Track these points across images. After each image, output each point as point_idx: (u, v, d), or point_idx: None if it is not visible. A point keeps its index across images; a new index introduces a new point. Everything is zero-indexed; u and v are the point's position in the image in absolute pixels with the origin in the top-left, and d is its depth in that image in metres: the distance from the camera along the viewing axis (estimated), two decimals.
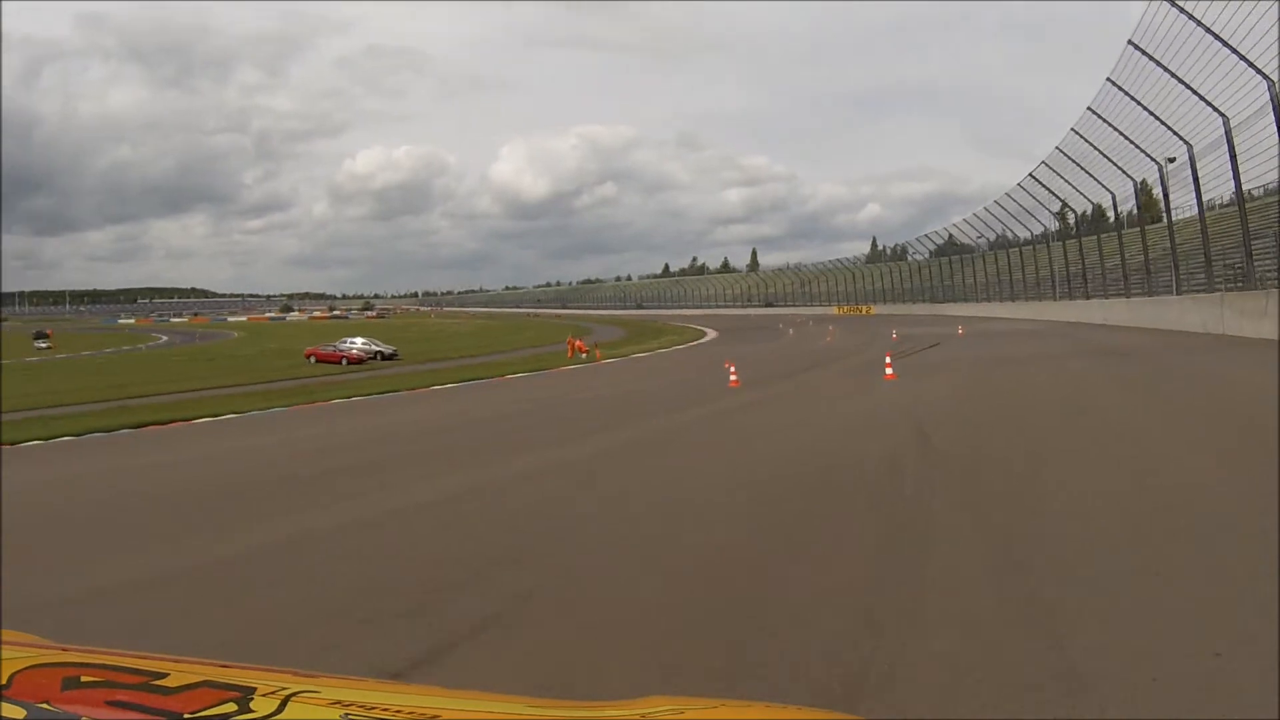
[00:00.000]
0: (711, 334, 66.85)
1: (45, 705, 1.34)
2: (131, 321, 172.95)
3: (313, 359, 50.56)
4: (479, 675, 5.00)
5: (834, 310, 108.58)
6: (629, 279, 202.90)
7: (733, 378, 23.58)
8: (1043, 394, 18.34)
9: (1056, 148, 48.38)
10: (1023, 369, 23.56)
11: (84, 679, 1.55)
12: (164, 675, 1.54)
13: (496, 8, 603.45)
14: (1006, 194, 62.74)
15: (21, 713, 1.29)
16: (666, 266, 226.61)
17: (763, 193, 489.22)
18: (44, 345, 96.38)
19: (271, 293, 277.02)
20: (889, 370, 22.80)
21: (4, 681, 1.44)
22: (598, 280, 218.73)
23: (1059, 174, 49.92)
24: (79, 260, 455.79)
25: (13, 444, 18.59)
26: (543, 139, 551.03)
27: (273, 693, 1.43)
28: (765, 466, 11.46)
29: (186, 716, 1.34)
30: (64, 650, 1.76)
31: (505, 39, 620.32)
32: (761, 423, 16.29)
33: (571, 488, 10.85)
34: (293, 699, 1.42)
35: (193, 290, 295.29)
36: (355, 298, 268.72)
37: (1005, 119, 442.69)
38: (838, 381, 24.22)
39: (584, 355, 42.65)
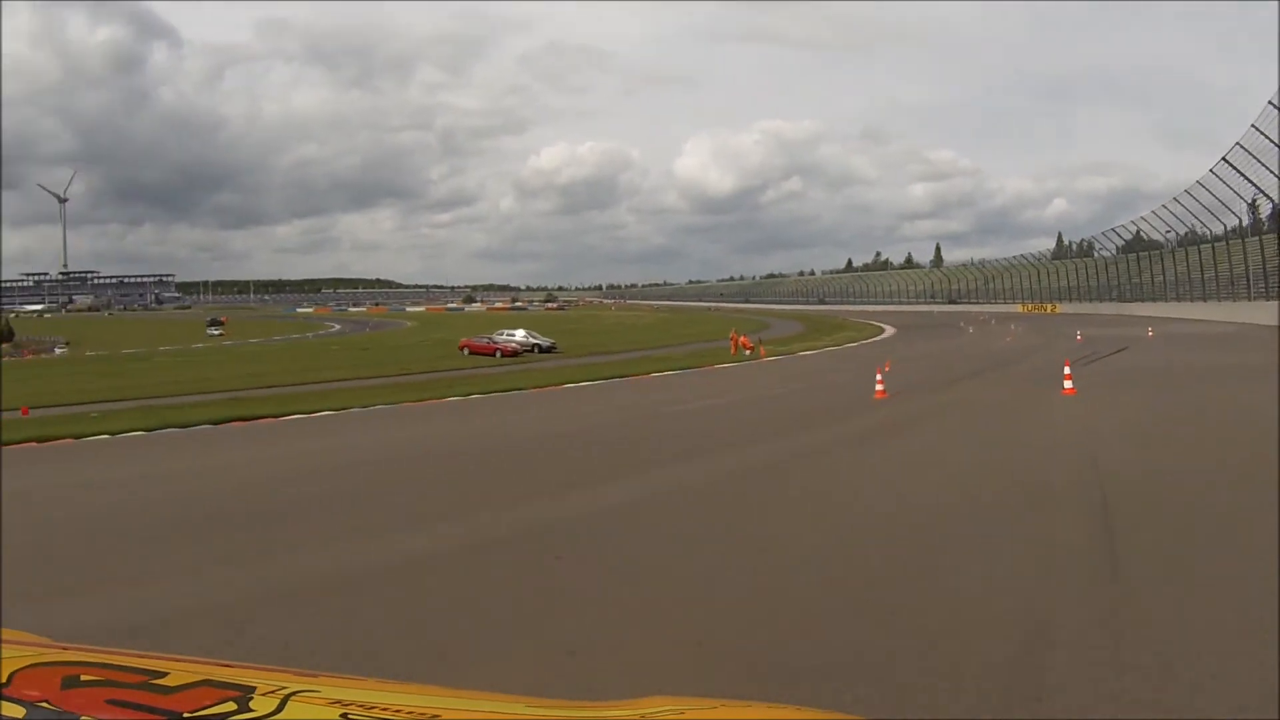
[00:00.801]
0: (889, 330, 65.46)
1: (45, 705, 1.38)
2: (310, 311, 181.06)
3: (466, 350, 50.60)
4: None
5: (1018, 308, 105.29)
6: (812, 274, 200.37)
7: (879, 388, 21.28)
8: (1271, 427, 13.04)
9: (1237, 143, 44.34)
10: (1242, 386, 20.78)
11: (84, 678, 1.58)
12: (164, 674, 1.57)
13: (678, 4, 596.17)
14: (1198, 183, 58.88)
15: (21, 712, 1.33)
16: (850, 262, 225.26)
17: (949, 187, 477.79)
18: (216, 332, 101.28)
19: (457, 284, 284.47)
20: (1068, 383, 19.91)
21: (4, 681, 1.48)
22: (781, 275, 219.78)
23: (1256, 159, 45.54)
24: (267, 252, 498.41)
25: (46, 440, 18.90)
26: (727, 134, 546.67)
27: (272, 692, 1.46)
28: (847, 558, 7.92)
29: (186, 716, 1.38)
30: (64, 650, 1.80)
31: (687, 35, 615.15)
32: (884, 460, 13.45)
33: (521, 566, 7.95)
34: (292, 698, 1.45)
35: (378, 281, 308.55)
36: (539, 290, 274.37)
37: (1192, 109, 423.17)
38: (1002, 394, 21.58)
39: (748, 352, 41.48)
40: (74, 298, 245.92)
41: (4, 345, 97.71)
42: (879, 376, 21.95)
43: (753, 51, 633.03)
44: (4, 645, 1.70)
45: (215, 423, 21.14)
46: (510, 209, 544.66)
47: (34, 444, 18.66)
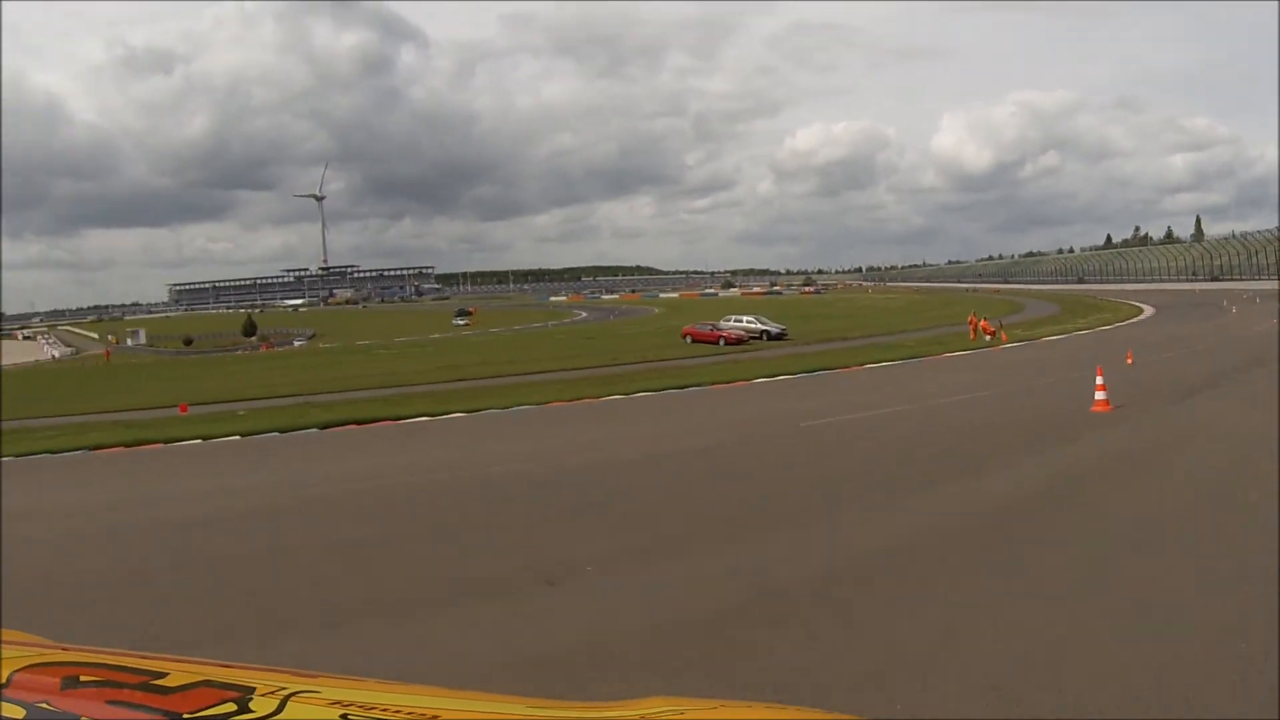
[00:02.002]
0: (1148, 311, 61.74)
1: (45, 705, 1.41)
2: (563, 299, 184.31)
3: (689, 338, 50.93)
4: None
5: None
6: (1071, 251, 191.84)
7: (1099, 395, 17.79)
8: None
9: None
10: None
11: (84, 679, 1.62)
12: (164, 675, 1.60)
13: None
14: None
15: (21, 712, 1.36)
16: (1109, 238, 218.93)
17: (1208, 158, 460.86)
18: (462, 322, 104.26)
19: (716, 269, 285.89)
20: None
21: (4, 681, 1.52)
22: (1040, 253, 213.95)
23: None
24: (527, 242, 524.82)
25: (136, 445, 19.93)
26: (981, 108, 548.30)
27: (272, 693, 1.49)
28: None
29: (186, 716, 1.39)
30: (64, 650, 1.85)
31: (931, 5, 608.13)
32: (1087, 538, 8.98)
33: None
34: (292, 699, 1.47)
35: (638, 268, 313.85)
36: (798, 273, 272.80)
37: None
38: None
39: (988, 337, 39.81)
40: (334, 291, 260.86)
41: (251, 338, 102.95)
42: (1099, 379, 17.98)
43: (999, 19, 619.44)
44: (4, 645, 1.76)
45: (323, 427, 21.51)
46: (768, 192, 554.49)
47: (122, 448, 19.70)
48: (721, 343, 48.10)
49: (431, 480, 14.34)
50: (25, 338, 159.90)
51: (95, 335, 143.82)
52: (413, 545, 10.05)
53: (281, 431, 20.75)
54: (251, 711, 1.40)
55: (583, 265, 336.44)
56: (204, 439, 20.31)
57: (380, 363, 48.67)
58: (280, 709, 1.41)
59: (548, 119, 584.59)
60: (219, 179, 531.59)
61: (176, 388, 40.29)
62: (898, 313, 78.24)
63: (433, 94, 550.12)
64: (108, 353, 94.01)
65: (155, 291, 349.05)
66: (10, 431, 24.26)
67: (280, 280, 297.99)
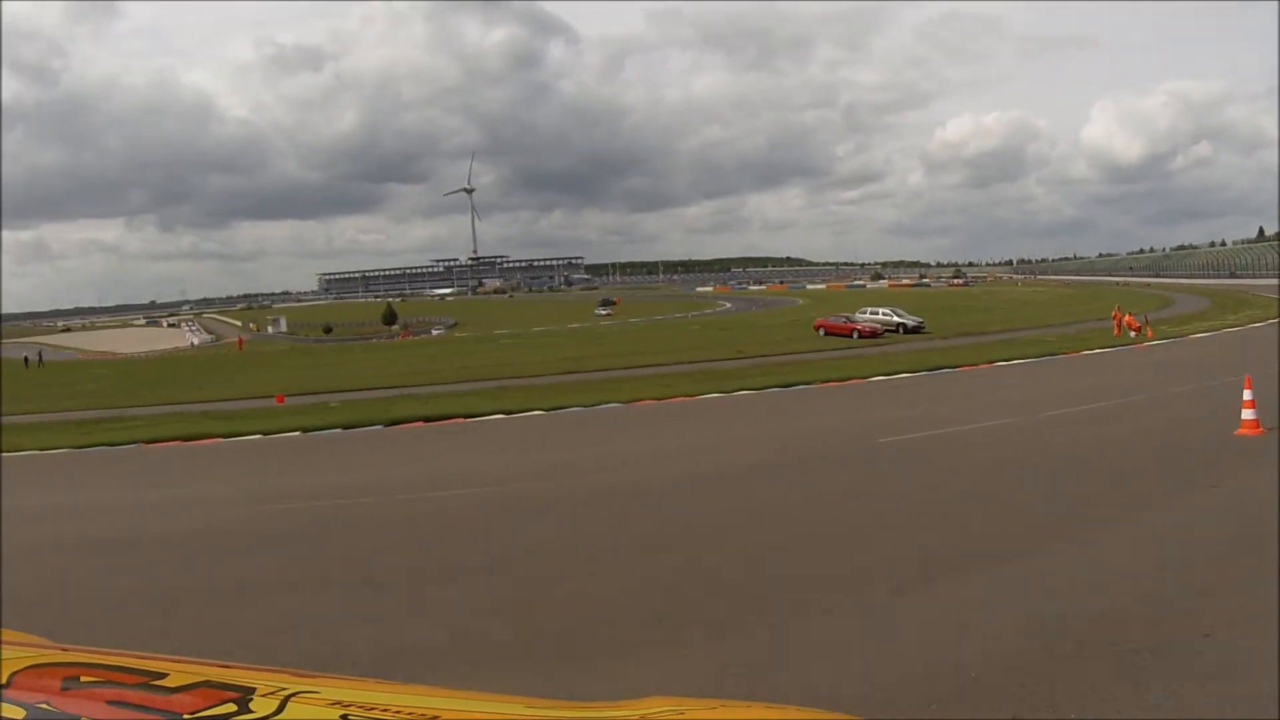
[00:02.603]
0: None
1: (45, 705, 1.42)
2: (709, 290, 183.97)
3: (822, 331, 50.02)
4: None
5: None
6: (1223, 244, 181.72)
7: (1247, 414, 14.51)
8: None
9: None
10: None
11: (84, 679, 1.62)
12: (164, 675, 1.61)
13: None
14: None
15: (21, 712, 1.36)
16: (1261, 230, 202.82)
17: None
18: (604, 313, 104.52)
19: (866, 261, 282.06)
20: None
21: (4, 681, 1.52)
22: (1191, 246, 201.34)
23: None
24: (677, 233, 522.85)
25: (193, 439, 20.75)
26: (1132, 98, 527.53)
27: (272, 693, 1.50)
28: None
29: (186, 717, 1.40)
30: (64, 650, 1.87)
31: None
32: None
33: None
34: (292, 699, 1.48)
35: (788, 260, 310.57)
36: (948, 266, 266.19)
37: None
38: None
39: (1133, 333, 37.73)
40: (483, 281, 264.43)
41: (391, 326, 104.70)
42: (1247, 393, 14.57)
43: (1149, 7, 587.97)
44: (4, 645, 1.77)
45: (389, 424, 21.45)
46: (919, 184, 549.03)
47: (178, 442, 20.07)
48: (855, 335, 47.13)
49: (365, 505, 13.14)
50: (170, 325, 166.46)
51: (238, 323, 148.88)
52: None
53: (345, 428, 20.52)
54: (252, 712, 1.39)
55: (732, 256, 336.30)
56: (264, 434, 20.23)
57: (504, 353, 49.26)
58: (280, 709, 1.40)
59: (697, 111, 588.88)
60: (369, 172, 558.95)
61: (292, 376, 41.02)
62: (1043, 306, 75.77)
63: (582, 88, 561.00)
64: (240, 341, 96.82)
65: (305, 281, 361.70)
66: (95, 421, 24.62)
67: (430, 270, 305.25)
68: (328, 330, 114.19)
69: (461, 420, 20.92)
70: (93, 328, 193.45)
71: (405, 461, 17.28)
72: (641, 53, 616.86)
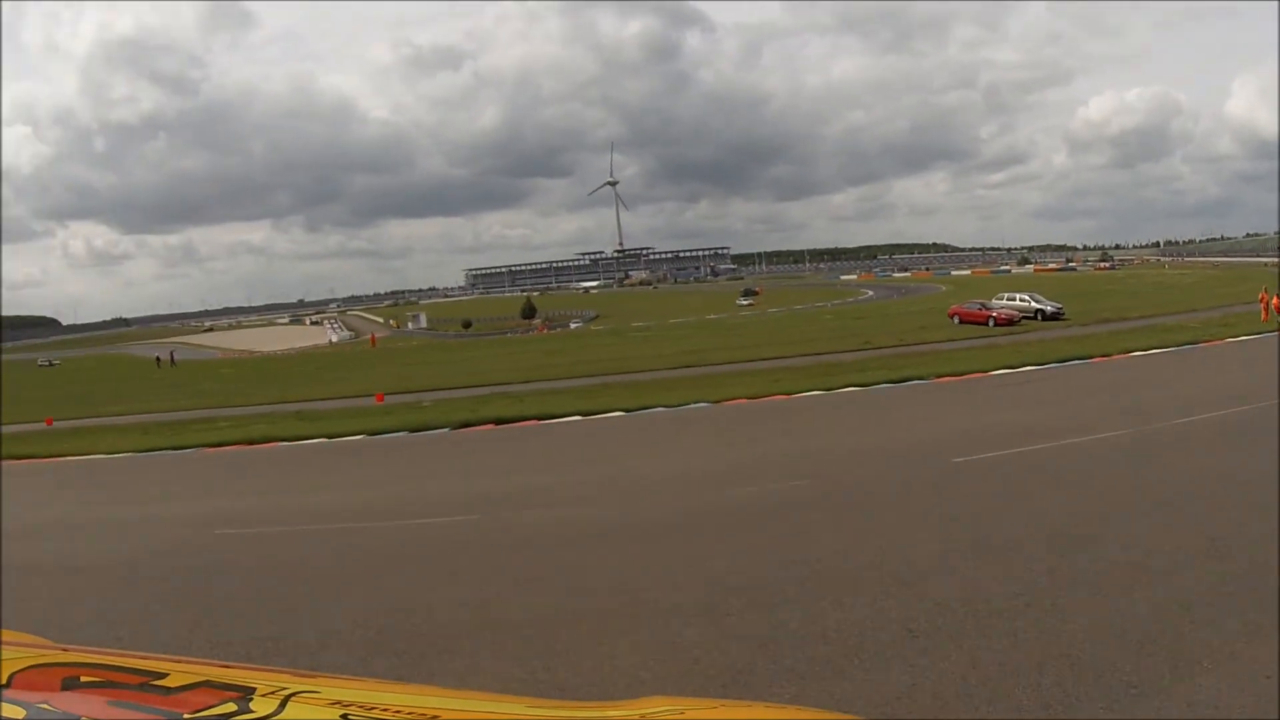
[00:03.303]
0: None
1: (45, 705, 1.41)
2: (854, 278, 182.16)
3: (956, 319, 48.29)
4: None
5: None
6: None
7: None
8: None
9: None
10: None
11: (84, 679, 1.60)
12: (164, 675, 1.59)
13: None
14: None
15: (21, 712, 1.35)
16: None
17: None
18: (746, 303, 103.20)
19: (1013, 245, 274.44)
20: None
21: (4, 681, 1.51)
22: None
23: None
24: (823, 221, 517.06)
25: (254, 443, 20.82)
26: (1274, 69, 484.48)
27: (272, 693, 1.49)
28: None
29: (186, 716, 1.39)
30: (64, 650, 1.84)
31: None
32: None
33: None
34: (292, 699, 1.47)
35: (934, 245, 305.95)
36: (1094, 249, 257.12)
37: None
38: None
39: None
40: (629, 273, 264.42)
41: (531, 320, 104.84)
42: None
43: None
44: (4, 645, 1.74)
45: (457, 427, 20.76)
46: (1063, 165, 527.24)
47: (241, 446, 20.25)
48: (991, 323, 45.22)
49: (279, 535, 12.21)
50: (312, 322, 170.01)
51: (381, 319, 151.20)
52: None
53: (413, 431, 19.45)
54: (252, 711, 1.38)
55: (878, 243, 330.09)
56: (328, 438, 19.47)
57: (628, 346, 49.13)
58: (280, 709, 1.39)
59: (838, 97, 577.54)
60: (514, 168, 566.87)
61: (411, 373, 40.82)
62: (1188, 290, 71.16)
63: (721, 76, 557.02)
64: (373, 338, 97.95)
65: (452, 277, 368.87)
66: (187, 422, 24.28)
67: (576, 263, 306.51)
68: (466, 325, 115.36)
69: (534, 423, 19.68)
70: (238, 327, 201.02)
71: (410, 477, 16.39)
72: (778, 39, 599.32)
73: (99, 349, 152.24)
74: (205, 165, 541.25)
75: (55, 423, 36.02)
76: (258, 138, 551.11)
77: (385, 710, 1.42)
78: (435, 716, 1.44)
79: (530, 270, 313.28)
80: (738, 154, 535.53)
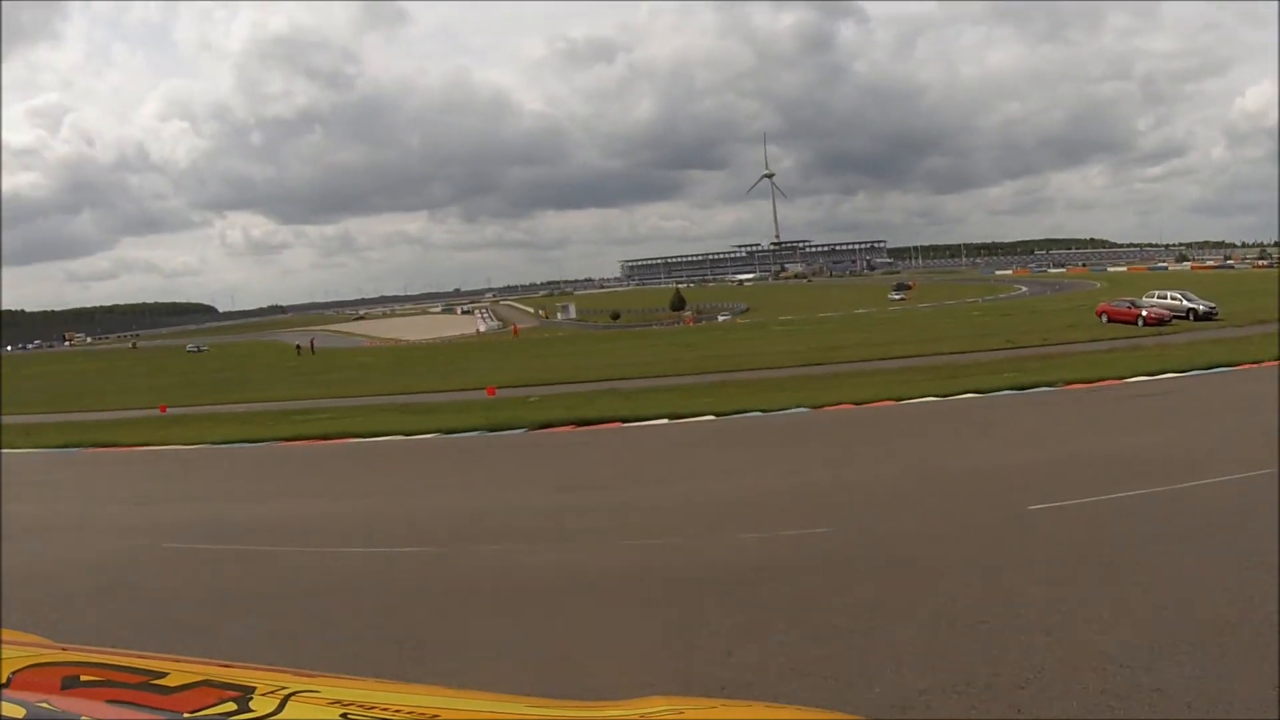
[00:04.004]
0: None
1: (45, 704, 1.38)
2: (1009, 273, 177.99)
3: (1104, 317, 46.08)
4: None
5: None
6: None
7: None
8: None
9: None
10: None
11: (84, 678, 1.58)
12: (164, 675, 1.57)
13: None
14: None
15: (21, 711, 1.33)
16: None
17: None
18: (898, 297, 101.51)
19: (1170, 242, 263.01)
20: None
21: (4, 680, 1.48)
22: None
23: None
24: (980, 215, 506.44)
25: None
26: None
27: (272, 692, 1.47)
28: None
29: (186, 716, 1.38)
30: (64, 650, 1.82)
31: None
32: None
33: None
34: (292, 699, 1.45)
35: (1090, 241, 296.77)
36: (1253, 246, 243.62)
37: None
38: None
39: None
40: (785, 266, 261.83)
41: (681, 313, 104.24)
42: None
43: None
44: (4, 645, 1.71)
45: (534, 428, 19.65)
46: (1221, 158, 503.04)
47: (315, 440, 19.50)
48: (1140, 322, 42.60)
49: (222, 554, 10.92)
50: (464, 312, 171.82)
51: (532, 310, 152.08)
52: None
53: (490, 430, 18.43)
54: (252, 711, 1.36)
55: (1035, 239, 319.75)
56: (405, 435, 18.76)
57: (764, 341, 48.99)
58: (280, 709, 1.37)
59: (993, 88, 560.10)
60: (669, 160, 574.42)
61: (542, 364, 40.48)
62: None
63: (875, 67, 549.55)
64: (516, 329, 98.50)
65: (609, 268, 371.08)
66: (286, 412, 23.94)
67: (732, 256, 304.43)
68: (615, 317, 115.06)
69: (615, 426, 18.32)
70: (391, 315, 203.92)
71: (416, 490, 15.14)
72: (932, 30, 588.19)
73: (250, 335, 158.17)
74: (361, 158, 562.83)
75: (170, 410, 36.58)
76: (414, 131, 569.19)
77: (385, 710, 1.40)
78: (435, 716, 1.42)
79: (686, 262, 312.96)
80: (893, 146, 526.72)
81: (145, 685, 1.49)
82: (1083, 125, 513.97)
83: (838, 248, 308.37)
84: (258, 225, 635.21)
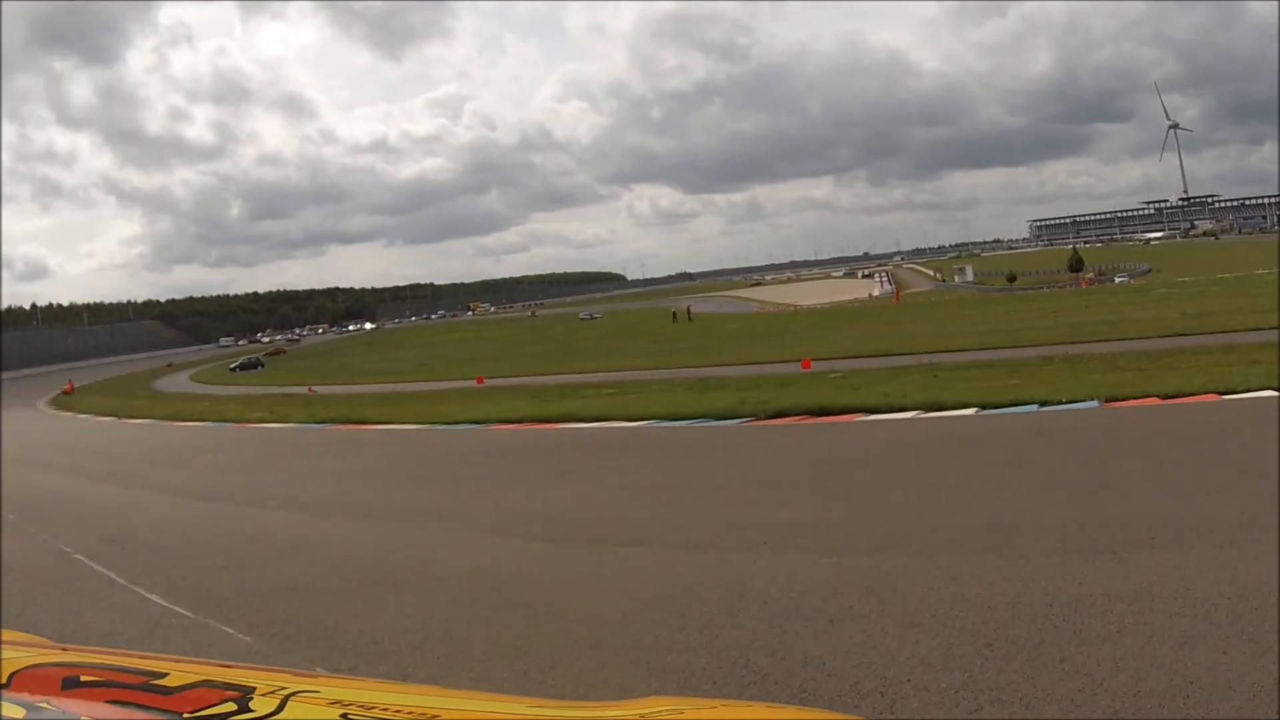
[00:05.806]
0: None
1: (45, 704, 1.35)
2: None
3: None
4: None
5: None
6: None
7: None
8: None
9: None
10: None
11: (84, 679, 1.53)
12: (164, 675, 1.52)
13: None
14: None
15: (21, 712, 1.29)
16: None
17: None
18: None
19: None
20: None
21: (4, 681, 1.44)
22: None
23: None
24: None
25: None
26: None
27: (272, 692, 1.42)
28: None
29: (186, 716, 1.34)
30: (64, 650, 1.79)
31: None
32: None
33: None
34: (292, 699, 1.40)
35: None
36: None
37: None
38: None
39: None
40: (1194, 223, 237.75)
41: (1079, 273, 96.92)
42: None
43: None
44: (4, 645, 1.67)
45: (768, 416, 14.74)
46: None
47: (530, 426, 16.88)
48: None
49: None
50: (864, 276, 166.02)
51: (931, 273, 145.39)
52: None
53: (718, 419, 14.85)
54: (252, 711, 1.33)
55: None
56: (629, 421, 16.16)
57: (1138, 307, 42.17)
58: (280, 709, 1.34)
59: None
60: (1072, 114, 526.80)
61: (891, 333, 37.71)
62: None
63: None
64: (898, 293, 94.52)
65: (1017, 228, 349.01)
66: (581, 385, 22.65)
67: (1140, 213, 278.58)
68: (1011, 279, 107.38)
69: (853, 418, 13.69)
70: (794, 280, 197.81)
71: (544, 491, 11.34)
72: None
73: (649, 303, 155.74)
74: (763, 126, 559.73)
75: (486, 381, 34.98)
76: (813, 96, 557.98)
77: (385, 710, 1.35)
78: (435, 716, 1.36)
79: (1094, 221, 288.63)
80: None
81: (145, 685, 1.44)
82: None
83: (1247, 202, 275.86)
84: (664, 196, 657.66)
